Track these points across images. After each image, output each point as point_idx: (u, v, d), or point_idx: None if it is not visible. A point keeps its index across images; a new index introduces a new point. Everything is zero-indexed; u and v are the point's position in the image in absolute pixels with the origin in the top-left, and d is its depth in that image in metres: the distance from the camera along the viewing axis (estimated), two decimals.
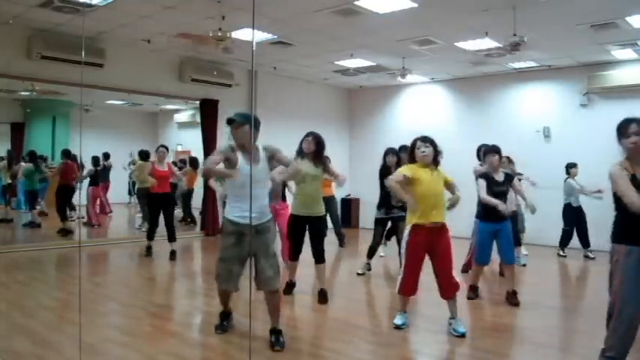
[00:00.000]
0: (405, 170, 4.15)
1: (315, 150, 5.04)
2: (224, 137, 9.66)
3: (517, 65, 9.29)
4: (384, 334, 4.25)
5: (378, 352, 3.88)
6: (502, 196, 5.07)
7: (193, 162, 9.86)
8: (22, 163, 8.99)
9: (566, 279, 7.21)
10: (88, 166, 9.19)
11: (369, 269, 6.53)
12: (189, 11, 6.51)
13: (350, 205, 11.70)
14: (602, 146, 8.66)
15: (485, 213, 5.12)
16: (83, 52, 7.06)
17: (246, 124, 3.68)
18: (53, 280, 6.19)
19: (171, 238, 7.27)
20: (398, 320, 4.32)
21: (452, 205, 4.22)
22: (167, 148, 7.39)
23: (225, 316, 4.19)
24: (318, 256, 5.16)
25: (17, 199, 9.43)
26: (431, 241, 4.11)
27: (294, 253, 5.29)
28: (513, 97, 10.02)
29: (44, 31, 7.51)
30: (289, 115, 10.79)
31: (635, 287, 2.95)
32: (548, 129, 9.50)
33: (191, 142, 10.29)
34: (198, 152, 9.77)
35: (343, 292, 5.61)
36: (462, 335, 4.06)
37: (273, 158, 3.82)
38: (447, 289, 4.18)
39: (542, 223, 8.72)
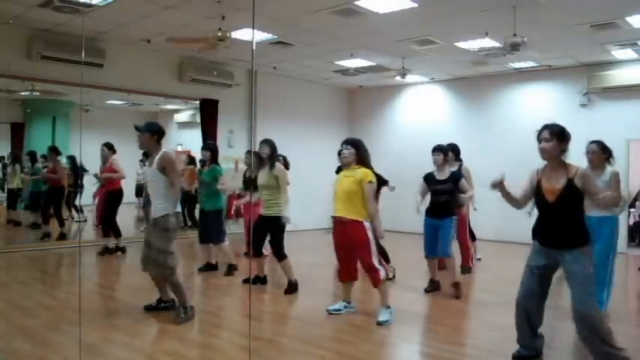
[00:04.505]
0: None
1: (270, 154, 5.43)
2: (224, 137, 9.69)
3: (517, 65, 9.29)
4: (382, 334, 4.25)
5: (376, 351, 3.88)
6: (442, 193, 5.31)
7: (192, 161, 9.78)
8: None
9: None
10: (89, 167, 9.18)
11: None
12: (189, 11, 6.51)
13: None
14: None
15: (428, 209, 5.43)
16: (83, 52, 7.06)
17: (145, 132, 4.27)
18: (53, 280, 6.19)
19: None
20: (332, 306, 4.68)
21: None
22: (108, 147, 7.34)
23: (160, 300, 4.64)
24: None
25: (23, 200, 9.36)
26: (348, 234, 4.40)
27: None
28: (513, 97, 10.02)
29: (44, 31, 7.51)
30: (289, 115, 10.80)
31: (527, 273, 3.52)
32: None
33: (191, 142, 10.28)
34: (198, 152, 9.74)
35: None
36: (379, 324, 4.29)
37: (164, 169, 4.25)
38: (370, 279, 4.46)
39: None
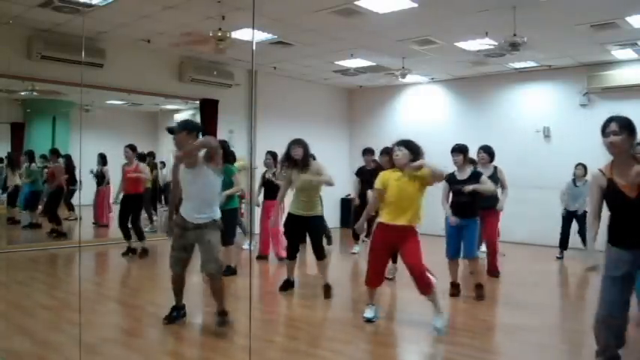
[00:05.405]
0: (378, 183, 4.32)
1: (303, 155, 5.16)
2: (224, 137, 9.67)
3: (517, 65, 9.29)
4: (383, 334, 4.24)
5: (377, 352, 3.88)
6: (464, 193, 5.20)
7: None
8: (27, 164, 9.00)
9: (565, 279, 7.21)
10: (89, 167, 9.20)
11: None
12: (189, 11, 6.51)
13: (350, 206, 11.68)
14: (601, 146, 8.69)
15: (452, 208, 5.33)
16: (83, 52, 7.05)
17: (181, 132, 3.95)
18: (53, 280, 6.18)
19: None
20: (367, 314, 4.39)
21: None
22: (132, 148, 7.35)
23: (176, 308, 4.34)
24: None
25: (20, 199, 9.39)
26: (395, 240, 4.19)
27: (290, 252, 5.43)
28: (513, 97, 10.01)
29: (44, 31, 7.51)
30: (289, 115, 10.79)
31: (611, 285, 3.00)
32: (548, 129, 9.50)
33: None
34: None
35: (343, 292, 5.61)
36: (437, 330, 4.09)
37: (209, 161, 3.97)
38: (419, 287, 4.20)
39: (542, 224, 8.73)
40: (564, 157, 8.98)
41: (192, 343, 3.95)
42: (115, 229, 10.30)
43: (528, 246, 8.66)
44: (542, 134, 9.53)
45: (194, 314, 4.83)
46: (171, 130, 4.04)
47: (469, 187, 5.14)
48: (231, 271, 6.18)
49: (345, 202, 11.64)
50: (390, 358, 3.81)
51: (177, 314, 4.30)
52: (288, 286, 5.47)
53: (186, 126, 4.02)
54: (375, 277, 4.37)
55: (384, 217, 4.23)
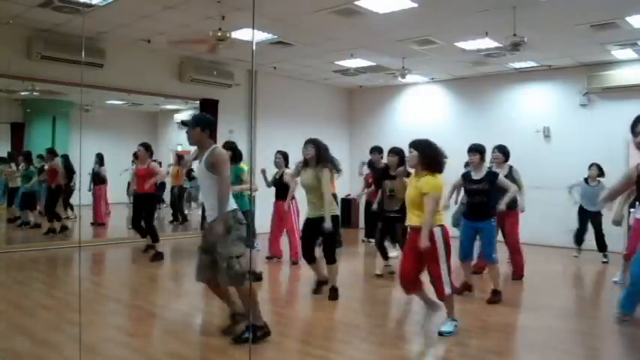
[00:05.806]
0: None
1: (315, 155, 5.05)
2: (224, 137, 9.68)
3: (517, 65, 9.29)
4: (384, 334, 4.24)
5: (377, 352, 3.87)
6: (477, 194, 5.16)
7: (180, 159, 9.77)
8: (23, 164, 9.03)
9: (566, 279, 7.21)
10: (89, 167, 9.22)
11: (392, 272, 6.15)
12: (189, 11, 6.51)
13: (350, 206, 11.70)
14: (602, 146, 8.72)
15: (466, 211, 5.30)
16: (83, 52, 7.05)
17: (195, 127, 3.82)
18: (53, 280, 6.19)
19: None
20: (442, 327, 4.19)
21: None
22: (145, 147, 7.14)
23: (231, 316, 4.09)
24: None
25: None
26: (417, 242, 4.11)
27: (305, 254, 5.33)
28: (513, 97, 10.01)
29: (44, 31, 7.51)
30: (289, 115, 10.79)
31: None
32: (548, 129, 9.50)
33: None
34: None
35: (344, 292, 5.60)
36: (441, 334, 4.04)
37: (213, 166, 3.76)
38: (434, 290, 4.14)
39: (542, 224, 8.73)
40: (564, 157, 8.99)
41: (192, 343, 3.94)
42: (114, 229, 10.37)
43: (528, 246, 8.63)
44: (542, 134, 9.53)
45: (194, 314, 4.84)
46: (185, 123, 3.89)
47: (502, 207, 5.15)
48: None
49: (345, 202, 11.64)
50: (389, 358, 3.81)
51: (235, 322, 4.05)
52: (319, 286, 5.34)
53: (200, 122, 3.86)
54: (405, 280, 4.23)
55: (409, 220, 4.22)
